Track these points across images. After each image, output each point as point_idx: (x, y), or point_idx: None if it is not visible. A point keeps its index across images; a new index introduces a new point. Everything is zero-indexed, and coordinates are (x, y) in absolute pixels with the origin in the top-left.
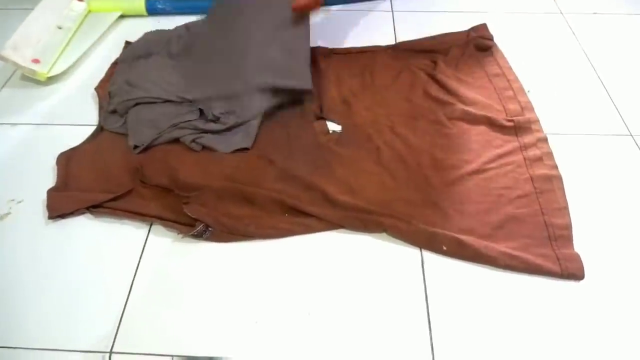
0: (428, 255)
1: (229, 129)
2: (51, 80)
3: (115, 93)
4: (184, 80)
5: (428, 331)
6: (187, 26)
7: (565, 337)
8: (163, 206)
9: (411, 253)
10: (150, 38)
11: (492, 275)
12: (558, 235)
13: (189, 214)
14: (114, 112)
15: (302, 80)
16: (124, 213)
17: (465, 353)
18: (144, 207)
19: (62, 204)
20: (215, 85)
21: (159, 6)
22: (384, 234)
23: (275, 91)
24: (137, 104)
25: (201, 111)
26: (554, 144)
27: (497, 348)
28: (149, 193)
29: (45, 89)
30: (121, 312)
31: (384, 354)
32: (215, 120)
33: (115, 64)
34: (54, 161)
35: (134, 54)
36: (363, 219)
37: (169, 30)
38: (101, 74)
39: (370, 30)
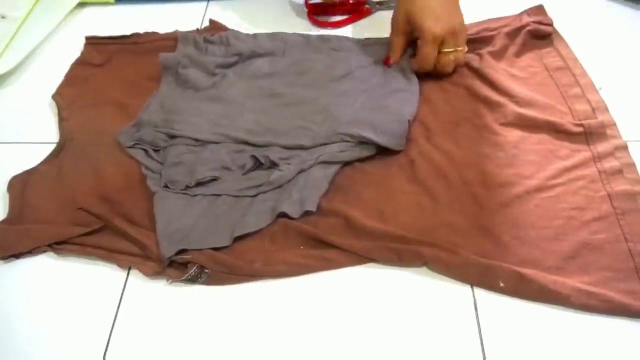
0: (481, 294)
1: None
2: None
3: (149, 121)
4: (239, 121)
5: None
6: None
7: None
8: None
9: (460, 291)
10: (194, 58)
11: (563, 317)
12: None
13: (176, 260)
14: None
15: (396, 139)
16: (96, 251)
17: None
18: (122, 244)
19: (16, 240)
20: (284, 133)
21: None
22: (425, 268)
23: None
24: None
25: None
26: (636, 153)
27: None
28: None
29: None
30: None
31: None
32: (272, 166)
33: (77, 64)
34: (4, 187)
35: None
36: (397, 250)
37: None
38: (57, 76)
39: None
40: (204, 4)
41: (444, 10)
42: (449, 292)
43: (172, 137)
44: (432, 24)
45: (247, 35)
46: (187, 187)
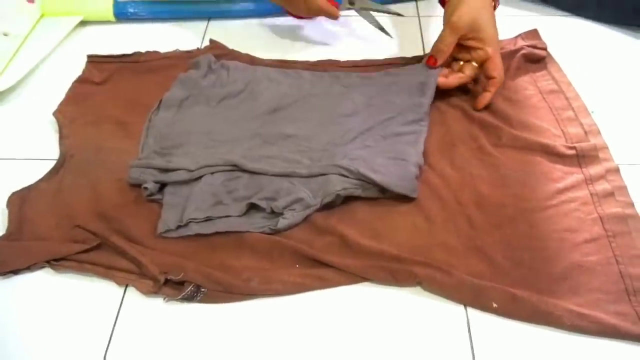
0: (475, 314)
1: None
2: None
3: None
4: (237, 149)
5: None
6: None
7: None
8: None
9: (454, 311)
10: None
11: (556, 338)
12: (638, 288)
13: (172, 279)
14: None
15: (407, 185)
16: (93, 268)
17: None
18: (119, 262)
19: (15, 256)
20: (280, 160)
21: (130, 10)
22: (419, 288)
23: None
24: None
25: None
26: (627, 177)
27: None
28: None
29: None
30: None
31: None
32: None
33: (78, 82)
34: (3, 204)
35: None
36: (392, 269)
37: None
38: (58, 94)
39: (393, 38)
40: (205, 23)
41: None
42: (443, 312)
43: (167, 170)
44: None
45: (248, 67)
46: (179, 226)
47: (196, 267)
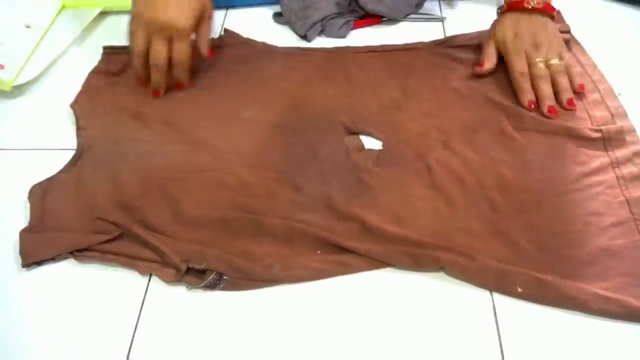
0: (500, 299)
1: None
2: (18, 90)
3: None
4: None
5: None
6: None
7: None
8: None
9: (479, 296)
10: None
11: (584, 322)
12: None
13: (194, 267)
14: None
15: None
16: (116, 258)
17: None
18: (142, 251)
19: (39, 248)
20: None
21: None
22: (443, 274)
23: None
24: None
25: None
26: None
27: None
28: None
29: (9, 103)
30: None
31: None
32: None
33: (94, 73)
34: (25, 195)
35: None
36: (414, 254)
37: None
38: (77, 85)
39: (410, 23)
40: (223, 12)
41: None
42: (468, 297)
43: None
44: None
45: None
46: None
47: (218, 255)
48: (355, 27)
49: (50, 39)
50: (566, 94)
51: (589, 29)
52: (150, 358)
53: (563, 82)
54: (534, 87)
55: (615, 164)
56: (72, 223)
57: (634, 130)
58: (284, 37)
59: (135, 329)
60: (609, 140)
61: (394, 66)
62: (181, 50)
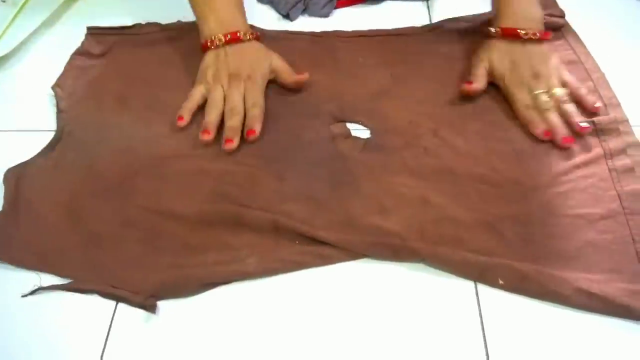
0: (484, 288)
1: None
2: None
3: None
4: None
5: None
6: None
7: None
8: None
9: (463, 285)
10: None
11: (567, 313)
12: None
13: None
14: None
15: None
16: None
17: None
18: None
19: (4, 247)
20: None
21: None
22: (422, 264)
23: None
24: None
25: None
26: None
27: None
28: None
29: None
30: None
31: None
32: None
33: (77, 54)
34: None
35: None
36: (394, 246)
37: None
38: (55, 65)
39: (394, 2)
40: None
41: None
42: (451, 286)
43: None
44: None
45: None
46: None
47: (190, 275)
48: (338, 6)
49: (26, 14)
50: (576, 120)
51: (585, 18)
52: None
53: (569, 109)
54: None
55: (608, 155)
56: (46, 214)
57: (627, 121)
58: (266, 17)
59: (109, 331)
60: (602, 130)
61: (383, 52)
62: (256, 94)
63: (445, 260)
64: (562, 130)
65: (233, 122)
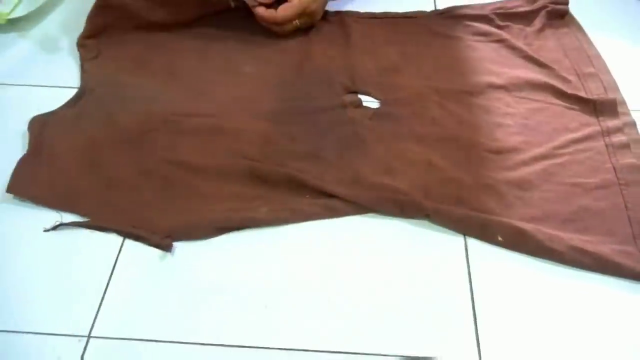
0: (474, 245)
1: None
2: (13, 25)
3: None
4: None
5: (474, 331)
6: None
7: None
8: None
9: (453, 241)
10: None
11: (554, 271)
12: None
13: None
14: None
15: None
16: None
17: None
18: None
19: (27, 185)
20: None
21: None
22: (421, 221)
23: None
24: None
25: None
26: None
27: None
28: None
29: (6, 37)
30: (102, 295)
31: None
32: None
33: (96, 8)
34: (24, 126)
35: None
36: (401, 202)
37: None
38: (77, 24)
39: None
40: None
41: None
42: (443, 242)
43: None
44: None
45: None
46: None
47: (203, 220)
48: None
49: None
50: None
51: (588, 12)
52: (134, 275)
53: None
54: None
55: (606, 132)
56: (68, 157)
57: (625, 103)
58: None
59: (108, 283)
60: (602, 110)
61: (394, 32)
62: None
63: (448, 217)
64: None
65: None
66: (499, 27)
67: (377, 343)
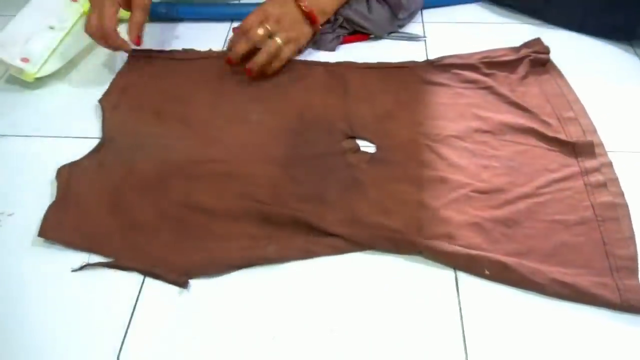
0: (464, 278)
1: None
2: (40, 83)
3: None
4: None
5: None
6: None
7: None
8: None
9: (444, 275)
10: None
11: (540, 302)
12: (621, 266)
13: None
14: None
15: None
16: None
17: None
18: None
19: (57, 229)
20: None
21: (162, 10)
22: (415, 257)
23: None
24: None
25: None
26: (618, 166)
27: None
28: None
29: (32, 94)
30: (120, 345)
31: None
32: None
33: (121, 73)
34: (52, 175)
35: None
36: (395, 240)
37: None
38: (99, 82)
39: (395, 41)
40: (227, 24)
41: None
42: (435, 276)
43: None
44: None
45: None
46: None
47: (217, 258)
48: (344, 42)
49: (71, 39)
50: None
51: (568, 57)
52: (152, 320)
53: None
54: None
55: (584, 172)
56: (93, 203)
57: (602, 145)
58: None
59: (131, 318)
60: (580, 152)
61: (389, 82)
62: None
63: (439, 252)
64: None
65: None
66: (485, 74)
67: None
